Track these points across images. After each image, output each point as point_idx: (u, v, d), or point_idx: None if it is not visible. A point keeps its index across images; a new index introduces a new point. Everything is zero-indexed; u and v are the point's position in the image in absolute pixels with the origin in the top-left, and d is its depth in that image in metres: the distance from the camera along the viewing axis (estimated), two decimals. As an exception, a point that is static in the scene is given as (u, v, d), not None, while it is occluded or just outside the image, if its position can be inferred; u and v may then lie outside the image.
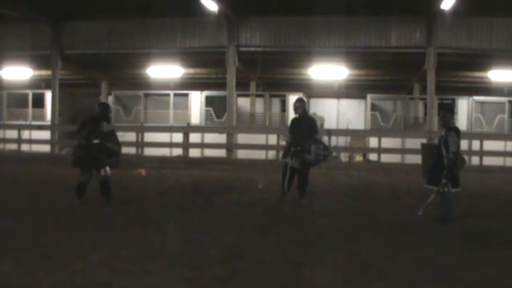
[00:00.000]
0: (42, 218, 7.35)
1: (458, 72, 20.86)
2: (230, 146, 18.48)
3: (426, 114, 19.55)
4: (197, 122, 21.06)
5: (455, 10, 15.99)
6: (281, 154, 9.48)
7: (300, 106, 9.55)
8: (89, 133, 8.41)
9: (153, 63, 21.28)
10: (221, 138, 19.03)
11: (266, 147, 18.45)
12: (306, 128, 9.27)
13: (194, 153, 19.19)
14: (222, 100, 20.53)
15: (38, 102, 22.95)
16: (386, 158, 18.53)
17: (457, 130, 7.66)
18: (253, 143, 18.67)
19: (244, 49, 18.63)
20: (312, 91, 23.18)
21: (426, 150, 8.75)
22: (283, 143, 10.08)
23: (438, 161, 7.62)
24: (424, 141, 17.73)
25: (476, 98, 20.55)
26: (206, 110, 21.26)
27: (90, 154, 8.38)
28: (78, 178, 8.53)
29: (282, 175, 9.27)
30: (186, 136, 18.70)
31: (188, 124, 20.09)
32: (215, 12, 17.03)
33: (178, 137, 19.17)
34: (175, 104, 21.63)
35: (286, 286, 4.62)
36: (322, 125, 21.61)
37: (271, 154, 18.62)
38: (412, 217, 7.96)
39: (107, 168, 8.50)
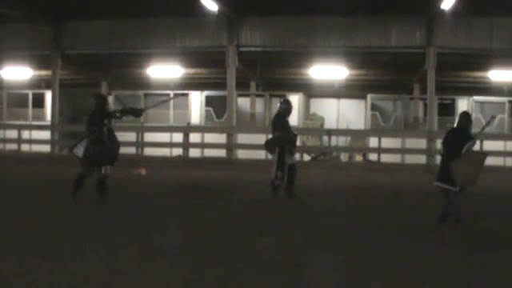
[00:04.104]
0: (42, 218, 7.35)
1: (458, 72, 20.81)
2: (230, 146, 18.47)
3: (426, 114, 19.53)
4: (197, 122, 21.05)
5: (455, 10, 15.96)
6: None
7: (291, 107, 10.18)
8: (100, 128, 8.46)
9: (153, 63, 21.25)
10: (221, 138, 19.02)
11: (266, 147, 18.42)
12: (291, 128, 10.15)
13: (194, 153, 19.19)
14: (222, 100, 20.51)
15: (38, 101, 22.94)
16: (386, 157, 18.53)
17: (446, 132, 8.06)
18: (253, 143, 18.66)
19: (244, 49, 18.60)
20: (312, 91, 23.15)
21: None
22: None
23: None
24: (424, 141, 17.76)
25: (476, 97, 20.54)
26: (206, 110, 21.25)
27: (106, 151, 8.42)
28: (82, 170, 8.55)
29: (283, 173, 9.58)
30: (186, 136, 18.70)
31: (188, 124, 20.09)
32: (215, 12, 17.01)
33: (178, 137, 19.16)
34: (175, 104, 21.61)
35: (286, 286, 4.62)
36: (322, 125, 21.61)
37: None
38: (412, 217, 7.96)
39: (109, 166, 8.53)
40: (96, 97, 9.07)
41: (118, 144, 8.89)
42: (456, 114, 19.22)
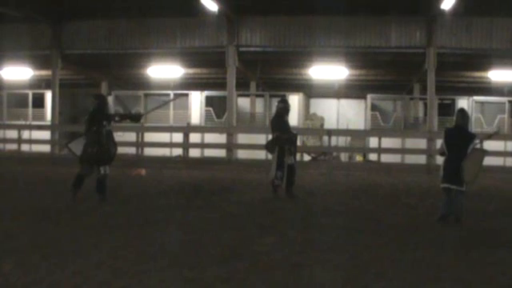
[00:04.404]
0: (42, 218, 7.35)
1: (458, 72, 20.83)
2: (230, 146, 18.48)
3: (426, 114, 19.54)
4: (197, 122, 21.06)
5: (455, 10, 15.97)
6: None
7: (288, 106, 10.16)
8: (98, 129, 8.45)
9: (153, 63, 21.26)
10: (221, 138, 19.02)
11: (266, 147, 18.43)
12: (290, 127, 10.10)
13: (194, 153, 19.19)
14: (222, 100, 20.52)
15: (38, 101, 22.92)
16: (386, 158, 18.53)
17: (445, 131, 7.89)
18: (253, 143, 18.67)
19: (244, 49, 18.60)
20: (312, 91, 23.17)
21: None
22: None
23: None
24: (424, 141, 17.76)
25: (476, 97, 20.53)
26: (206, 110, 21.25)
27: (103, 151, 8.42)
28: (80, 170, 8.56)
29: (283, 172, 9.57)
30: (186, 136, 18.70)
31: (188, 124, 20.09)
32: (215, 12, 17.01)
33: (178, 137, 19.16)
34: (175, 104, 21.62)
35: (286, 286, 4.62)
36: (322, 125, 21.62)
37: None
38: (412, 217, 7.95)
39: (107, 167, 8.54)
40: (96, 97, 9.07)
41: (115, 144, 8.89)
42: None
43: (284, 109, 10.02)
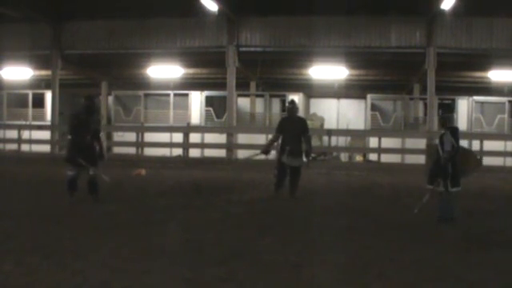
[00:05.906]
0: (42, 218, 7.35)
1: (458, 72, 20.83)
2: (230, 146, 18.48)
3: (426, 114, 19.54)
4: (197, 122, 21.06)
5: (455, 10, 15.98)
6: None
7: (295, 107, 10.02)
8: (80, 130, 8.44)
9: (153, 63, 21.26)
10: (221, 138, 19.03)
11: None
12: (299, 128, 9.71)
13: (194, 153, 19.19)
14: (222, 100, 20.52)
15: (38, 101, 22.92)
16: (386, 157, 18.53)
17: (452, 130, 7.64)
18: (253, 143, 18.65)
19: (244, 49, 18.61)
20: (312, 91, 23.17)
21: (430, 150, 8.79)
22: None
23: (438, 161, 7.63)
24: (424, 141, 17.76)
25: (476, 98, 20.54)
26: (206, 110, 21.25)
27: (84, 153, 8.40)
28: (68, 173, 8.57)
29: (279, 173, 9.52)
30: (186, 136, 18.71)
31: (188, 124, 20.10)
32: (215, 12, 17.02)
33: (178, 137, 19.17)
34: (175, 104, 21.63)
35: (286, 286, 4.62)
36: (322, 125, 21.62)
37: (271, 154, 18.58)
38: (412, 217, 7.95)
39: (95, 167, 8.52)
40: (86, 98, 8.87)
41: (101, 146, 8.84)
42: (456, 114, 19.24)
43: (287, 110, 10.16)
